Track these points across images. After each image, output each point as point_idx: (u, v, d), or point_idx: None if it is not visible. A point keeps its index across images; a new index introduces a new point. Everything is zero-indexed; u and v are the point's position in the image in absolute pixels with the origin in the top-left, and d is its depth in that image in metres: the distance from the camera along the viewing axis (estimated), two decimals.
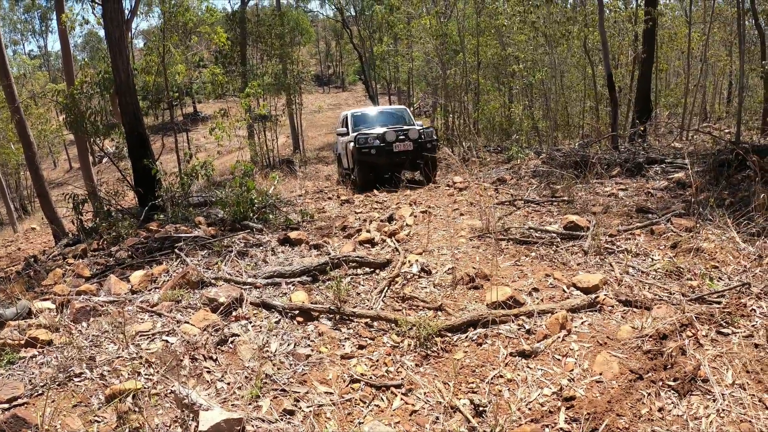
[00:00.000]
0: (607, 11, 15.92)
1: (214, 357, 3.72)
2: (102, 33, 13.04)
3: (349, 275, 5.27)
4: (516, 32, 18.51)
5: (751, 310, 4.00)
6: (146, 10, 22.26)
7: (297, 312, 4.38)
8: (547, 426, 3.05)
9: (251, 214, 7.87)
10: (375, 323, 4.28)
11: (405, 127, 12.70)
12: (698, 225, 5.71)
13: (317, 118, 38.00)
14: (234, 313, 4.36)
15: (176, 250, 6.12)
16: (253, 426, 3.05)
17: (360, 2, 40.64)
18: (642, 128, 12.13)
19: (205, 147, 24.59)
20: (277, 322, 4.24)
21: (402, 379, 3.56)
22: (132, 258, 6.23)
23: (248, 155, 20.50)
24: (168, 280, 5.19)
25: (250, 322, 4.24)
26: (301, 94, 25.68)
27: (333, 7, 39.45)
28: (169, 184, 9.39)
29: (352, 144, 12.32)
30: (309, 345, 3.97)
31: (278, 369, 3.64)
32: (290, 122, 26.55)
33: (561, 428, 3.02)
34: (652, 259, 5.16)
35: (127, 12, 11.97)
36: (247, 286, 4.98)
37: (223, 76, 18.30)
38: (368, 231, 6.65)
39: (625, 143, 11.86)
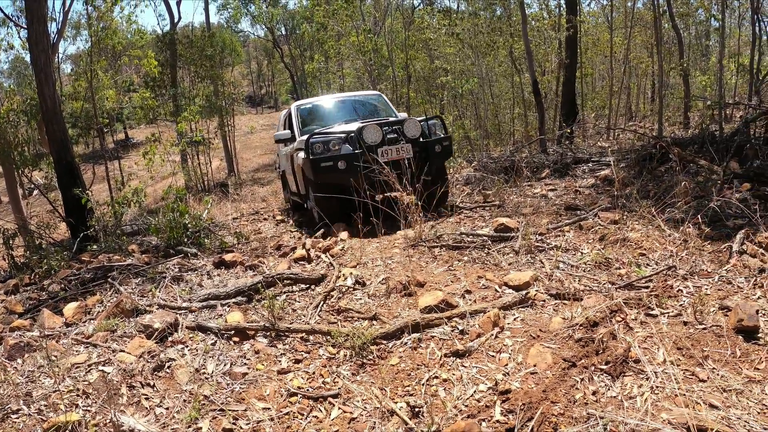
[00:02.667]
0: (532, 21, 16.44)
1: (152, 383, 3.66)
2: (28, 58, 12.73)
3: (285, 293, 5.24)
4: (443, 45, 18.91)
5: (678, 291, 4.20)
6: (74, 34, 21.77)
7: (233, 332, 4.35)
8: (483, 420, 3.09)
9: (185, 239, 7.71)
10: (311, 337, 4.27)
11: (393, 119, 8.01)
12: (624, 217, 5.95)
13: (251, 140, 37.49)
14: (170, 338, 4.30)
15: (110, 280, 5.98)
16: None
17: (290, 21, 40.74)
18: (569, 130, 12.53)
19: (137, 174, 23.97)
20: (213, 344, 4.20)
21: (339, 388, 3.57)
22: (65, 290, 6.05)
23: (182, 180, 20.11)
24: (102, 311, 5.08)
25: (186, 346, 4.19)
26: (234, 115, 25.39)
27: (263, 27, 39.43)
28: (101, 214, 9.17)
29: (301, 154, 7.56)
30: (245, 363, 3.95)
31: (216, 390, 3.61)
32: (224, 145, 26.08)
33: (497, 420, 3.07)
34: (581, 252, 5.34)
35: (53, 35, 11.68)
36: (183, 311, 4.90)
37: (153, 100, 18.00)
38: (303, 248, 6.64)
39: (553, 146, 12.22)
